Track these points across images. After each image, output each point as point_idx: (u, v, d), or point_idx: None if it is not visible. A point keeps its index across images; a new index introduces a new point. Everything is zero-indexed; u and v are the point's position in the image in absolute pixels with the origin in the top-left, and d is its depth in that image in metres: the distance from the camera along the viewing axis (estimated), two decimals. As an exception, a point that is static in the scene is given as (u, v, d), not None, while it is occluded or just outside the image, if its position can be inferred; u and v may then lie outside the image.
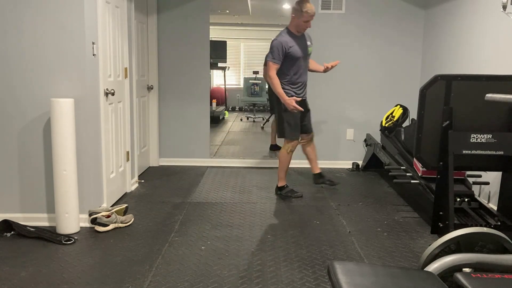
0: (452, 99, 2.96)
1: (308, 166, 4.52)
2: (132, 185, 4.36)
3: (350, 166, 5.34)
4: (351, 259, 2.91)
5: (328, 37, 5.14)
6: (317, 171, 4.43)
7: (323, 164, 5.06)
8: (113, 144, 3.85)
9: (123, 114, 4.10)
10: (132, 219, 3.46)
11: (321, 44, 4.84)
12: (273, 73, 3.93)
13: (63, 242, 3.05)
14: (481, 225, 2.99)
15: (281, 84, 3.95)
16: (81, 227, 3.28)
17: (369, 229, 3.42)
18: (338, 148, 5.40)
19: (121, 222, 3.35)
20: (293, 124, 4.03)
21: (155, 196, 4.18)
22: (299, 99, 3.96)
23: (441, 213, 3.05)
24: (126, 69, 4.13)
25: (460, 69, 4.28)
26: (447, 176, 2.97)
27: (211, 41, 5.41)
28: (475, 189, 3.63)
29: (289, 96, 3.93)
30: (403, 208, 3.95)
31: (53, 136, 3.13)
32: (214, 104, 10.02)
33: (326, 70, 4.14)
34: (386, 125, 4.75)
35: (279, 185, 4.28)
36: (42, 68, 3.23)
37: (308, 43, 4.07)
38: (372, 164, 5.08)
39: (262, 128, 9.02)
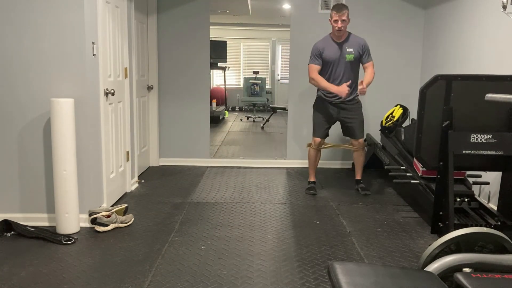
0: (452, 99, 2.96)
1: (306, 166, 4.59)
2: (132, 185, 4.36)
3: (350, 166, 5.33)
4: (351, 259, 2.91)
5: (328, 37, 5.15)
6: (356, 177, 4.50)
7: (323, 164, 5.07)
8: (113, 144, 3.85)
9: (123, 114, 4.10)
10: (132, 219, 3.46)
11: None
12: (312, 74, 4.15)
13: (63, 242, 3.04)
14: (481, 225, 2.99)
15: (318, 89, 4.27)
16: (81, 227, 3.28)
17: (369, 229, 3.42)
18: (338, 148, 5.39)
19: (121, 222, 3.35)
20: (315, 124, 4.33)
21: (155, 196, 4.18)
22: (347, 86, 4.02)
23: (441, 213, 3.05)
24: (126, 69, 4.13)
25: (460, 69, 4.28)
26: (447, 176, 2.96)
27: (211, 41, 5.41)
28: (475, 189, 3.62)
29: (319, 96, 4.26)
30: (403, 208, 3.95)
31: (53, 136, 3.13)
32: (214, 104, 10.01)
33: (362, 92, 3.99)
34: (386, 125, 4.75)
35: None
36: (42, 68, 3.23)
37: (350, 49, 4.09)
38: (372, 164, 5.08)
39: (262, 128, 9.02)
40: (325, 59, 4.11)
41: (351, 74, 4.13)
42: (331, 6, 5.14)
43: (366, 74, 4.12)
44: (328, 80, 4.14)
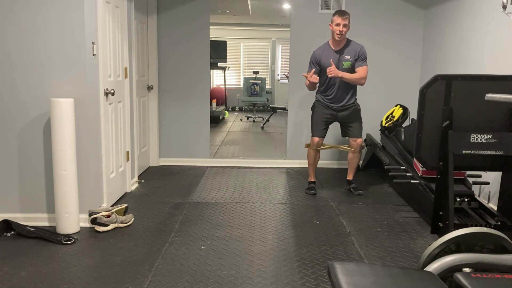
0: (452, 99, 2.96)
1: (305, 166, 4.60)
2: (132, 185, 4.36)
3: (350, 166, 5.33)
4: (351, 259, 2.91)
5: (328, 37, 5.14)
6: (348, 178, 4.51)
7: (323, 164, 5.07)
8: (113, 144, 3.84)
9: (123, 114, 4.10)
10: (132, 219, 3.46)
11: (321, 44, 4.83)
12: (306, 80, 4.19)
13: (63, 242, 3.04)
14: (481, 225, 2.99)
15: (316, 92, 4.36)
16: (81, 227, 3.28)
17: (369, 229, 3.42)
18: (337, 149, 5.40)
19: (121, 222, 3.35)
20: (313, 123, 4.36)
21: (155, 196, 4.18)
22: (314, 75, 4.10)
23: (441, 213, 3.05)
24: (126, 69, 4.13)
25: (460, 69, 4.28)
26: (447, 176, 2.97)
27: (211, 41, 5.41)
28: (475, 189, 3.62)
29: (317, 99, 4.33)
30: (403, 208, 3.95)
31: (53, 136, 3.13)
32: (214, 104, 10.02)
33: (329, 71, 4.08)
34: (386, 125, 4.75)
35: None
36: (42, 68, 3.23)
37: (347, 57, 4.11)
38: (372, 164, 5.08)
39: (262, 128, 9.02)
40: (322, 66, 4.14)
41: (348, 82, 4.14)
42: (331, 7, 5.20)
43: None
44: (325, 87, 4.20)
